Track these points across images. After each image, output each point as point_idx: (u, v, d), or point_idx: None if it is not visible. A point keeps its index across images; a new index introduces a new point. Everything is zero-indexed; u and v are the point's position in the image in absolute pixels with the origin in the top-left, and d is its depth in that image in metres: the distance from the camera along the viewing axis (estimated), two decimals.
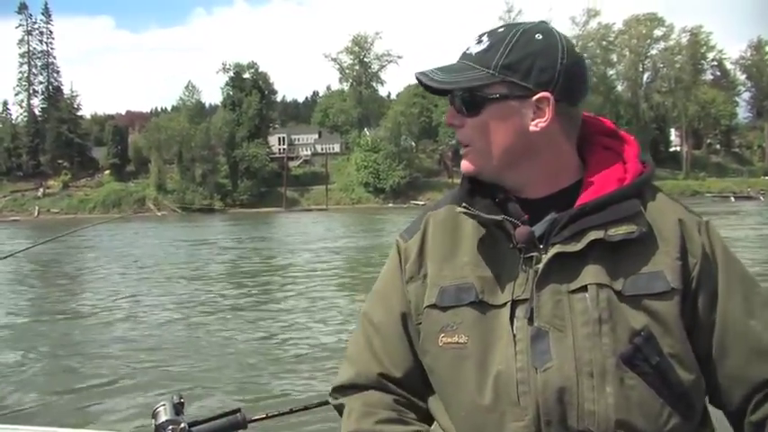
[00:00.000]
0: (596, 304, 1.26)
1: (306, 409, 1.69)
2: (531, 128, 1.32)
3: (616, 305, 1.27)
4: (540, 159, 1.35)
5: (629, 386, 1.26)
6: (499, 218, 1.34)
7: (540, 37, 1.32)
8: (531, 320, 1.29)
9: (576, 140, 1.40)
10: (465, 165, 1.39)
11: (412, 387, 1.45)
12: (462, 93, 1.34)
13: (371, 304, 1.51)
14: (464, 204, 1.38)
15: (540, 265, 1.30)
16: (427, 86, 1.37)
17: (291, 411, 1.64)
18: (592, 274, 1.28)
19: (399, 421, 1.43)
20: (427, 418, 1.46)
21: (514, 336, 1.30)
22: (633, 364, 1.26)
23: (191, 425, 1.52)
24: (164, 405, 1.53)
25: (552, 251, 1.29)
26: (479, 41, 1.35)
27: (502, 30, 1.35)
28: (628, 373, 1.26)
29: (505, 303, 1.32)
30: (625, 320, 1.26)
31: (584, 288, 1.28)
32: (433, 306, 1.38)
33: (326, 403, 1.64)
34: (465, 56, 1.36)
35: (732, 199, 72.70)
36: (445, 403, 1.40)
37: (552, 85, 1.30)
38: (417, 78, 1.38)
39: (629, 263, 1.29)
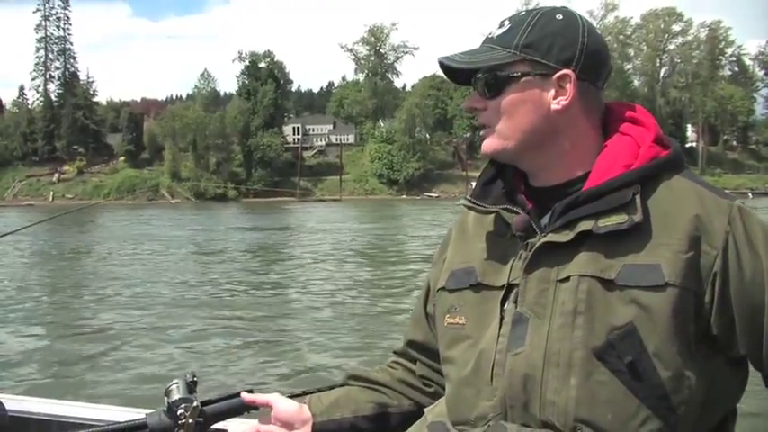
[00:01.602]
0: (574, 295, 1.25)
1: (319, 391, 1.61)
2: (553, 106, 1.31)
3: (599, 297, 1.24)
4: (560, 141, 1.34)
5: (597, 381, 1.23)
6: (495, 209, 1.38)
7: (561, 17, 1.32)
8: (517, 305, 1.32)
9: (600, 128, 1.38)
10: (485, 146, 1.38)
11: (435, 360, 1.54)
12: (485, 75, 1.34)
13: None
14: (466, 197, 1.44)
15: (530, 253, 1.31)
16: (449, 70, 1.38)
17: (304, 393, 1.60)
18: (579, 264, 1.26)
19: (403, 382, 1.61)
20: None
21: (502, 318, 1.33)
22: (605, 360, 1.22)
23: (203, 404, 1.51)
24: (177, 383, 1.52)
25: (542, 240, 1.30)
26: (501, 26, 1.36)
27: (523, 13, 1.36)
28: (599, 368, 1.23)
29: (502, 286, 1.35)
30: (607, 314, 1.23)
31: (569, 278, 1.27)
32: (443, 289, 1.46)
33: (338, 386, 1.66)
34: (487, 40, 1.37)
35: (750, 195, 71.97)
36: (445, 380, 1.46)
37: (574, 63, 1.30)
38: (440, 62, 1.38)
39: (625, 252, 1.25)
